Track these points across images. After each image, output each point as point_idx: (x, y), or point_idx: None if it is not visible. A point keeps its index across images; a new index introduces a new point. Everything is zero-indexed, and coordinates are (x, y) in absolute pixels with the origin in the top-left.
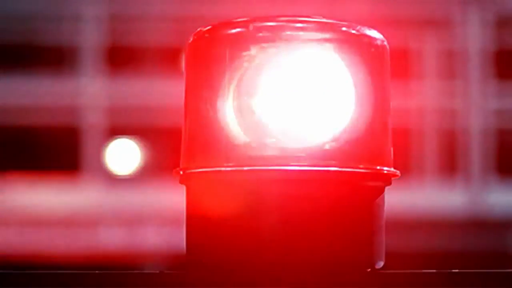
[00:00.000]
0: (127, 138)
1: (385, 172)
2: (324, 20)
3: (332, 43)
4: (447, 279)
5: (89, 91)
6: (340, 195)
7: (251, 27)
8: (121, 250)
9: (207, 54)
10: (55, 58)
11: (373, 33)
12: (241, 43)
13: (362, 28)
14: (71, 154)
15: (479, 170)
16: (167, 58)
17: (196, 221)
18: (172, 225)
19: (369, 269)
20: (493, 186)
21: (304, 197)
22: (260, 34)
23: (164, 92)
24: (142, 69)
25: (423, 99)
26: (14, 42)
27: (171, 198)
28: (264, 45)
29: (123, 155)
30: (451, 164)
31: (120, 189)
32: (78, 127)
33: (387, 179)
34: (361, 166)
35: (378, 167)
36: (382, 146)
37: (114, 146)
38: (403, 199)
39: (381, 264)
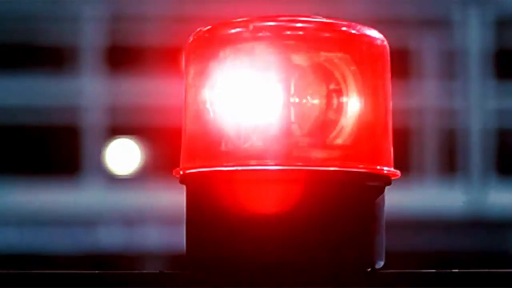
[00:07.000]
0: (127, 138)
1: (385, 172)
2: (324, 20)
3: (332, 43)
4: (447, 279)
5: (89, 91)
6: (340, 195)
7: (251, 27)
8: (121, 250)
9: (207, 54)
10: (55, 58)
11: (373, 33)
12: (241, 43)
13: (362, 28)
14: (71, 154)
15: (479, 170)
16: (167, 58)
17: (196, 221)
18: (172, 225)
19: (369, 269)
20: (493, 186)
21: (304, 197)
22: (260, 34)
23: (164, 92)
24: (142, 69)
25: (423, 99)
26: (14, 42)
27: (171, 198)
28: (264, 45)
29: (123, 155)
30: (451, 164)
31: (120, 189)
32: (78, 127)
33: (387, 179)
34: (361, 166)
35: (378, 167)
36: (382, 146)
37: (114, 146)
38: (403, 199)
39: (381, 264)
